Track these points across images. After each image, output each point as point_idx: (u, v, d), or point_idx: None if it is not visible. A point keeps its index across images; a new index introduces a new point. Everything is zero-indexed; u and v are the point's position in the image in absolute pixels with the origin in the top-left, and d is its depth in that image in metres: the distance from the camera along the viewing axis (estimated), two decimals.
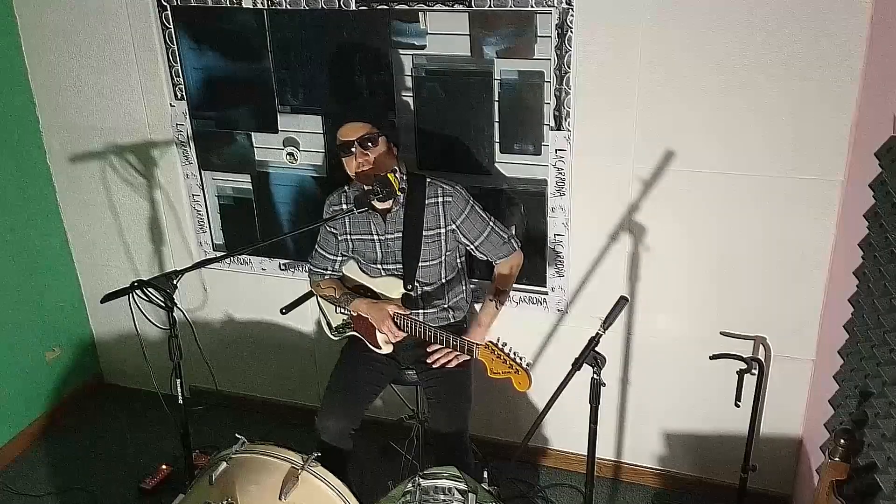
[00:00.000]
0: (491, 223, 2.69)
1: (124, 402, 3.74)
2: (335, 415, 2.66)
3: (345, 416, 2.66)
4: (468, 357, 2.59)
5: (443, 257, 2.69)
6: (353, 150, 2.52)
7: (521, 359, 2.46)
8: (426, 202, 2.62)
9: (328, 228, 2.76)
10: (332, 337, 2.91)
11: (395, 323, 2.62)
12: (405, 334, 2.64)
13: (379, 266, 2.72)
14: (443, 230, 2.65)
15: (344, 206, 2.71)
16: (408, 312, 2.63)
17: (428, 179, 2.64)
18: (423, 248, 2.65)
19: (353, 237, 2.72)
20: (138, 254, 3.49)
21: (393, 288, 2.69)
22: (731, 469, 2.87)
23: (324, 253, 2.82)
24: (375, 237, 2.69)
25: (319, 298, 2.90)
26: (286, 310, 2.92)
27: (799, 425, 2.81)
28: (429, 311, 2.74)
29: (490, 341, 2.50)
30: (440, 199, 2.62)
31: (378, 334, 2.70)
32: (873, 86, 2.23)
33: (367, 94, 2.85)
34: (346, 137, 2.54)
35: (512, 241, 2.73)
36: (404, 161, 2.68)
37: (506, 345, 2.49)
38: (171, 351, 2.38)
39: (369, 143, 2.52)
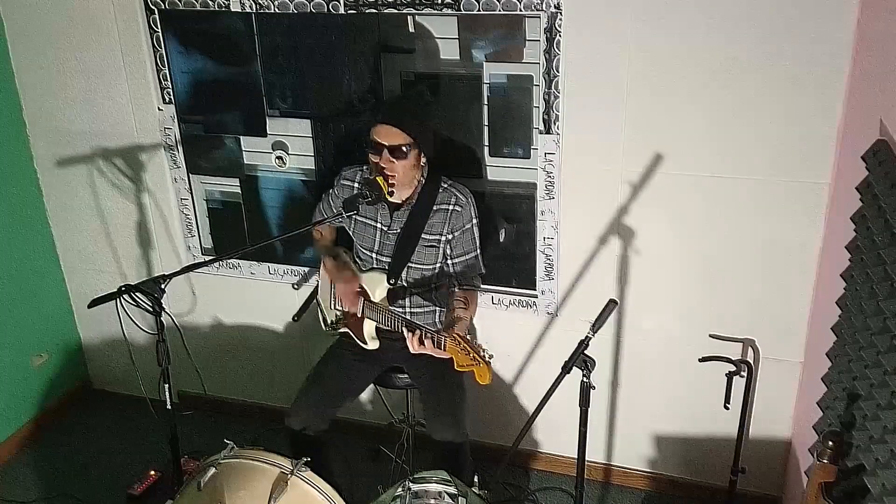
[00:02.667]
0: (477, 251, 2.71)
1: (112, 407, 3.72)
2: (302, 411, 2.67)
3: (312, 413, 2.67)
4: (442, 353, 2.44)
5: (438, 264, 2.69)
6: (382, 153, 2.50)
7: (484, 351, 2.37)
8: (434, 207, 2.62)
9: (337, 193, 2.76)
10: (326, 331, 2.91)
11: (364, 305, 2.65)
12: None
13: (373, 255, 2.71)
14: (443, 238, 2.64)
15: (355, 186, 2.71)
16: (387, 307, 2.63)
17: (443, 185, 2.63)
18: (418, 251, 2.64)
19: (358, 218, 2.71)
20: (126, 258, 3.47)
21: (379, 282, 2.68)
22: (720, 471, 2.88)
23: (331, 204, 2.81)
24: (378, 226, 2.68)
25: (319, 297, 2.92)
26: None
27: (788, 427, 2.82)
28: (415, 310, 2.74)
29: (457, 333, 2.40)
30: (450, 207, 2.62)
31: (364, 328, 2.70)
32: (860, 89, 2.24)
33: (356, 97, 2.85)
34: (380, 139, 2.50)
35: (479, 279, 2.77)
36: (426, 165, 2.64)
37: (474, 338, 2.44)
38: (160, 356, 2.37)
39: (399, 154, 2.49)
